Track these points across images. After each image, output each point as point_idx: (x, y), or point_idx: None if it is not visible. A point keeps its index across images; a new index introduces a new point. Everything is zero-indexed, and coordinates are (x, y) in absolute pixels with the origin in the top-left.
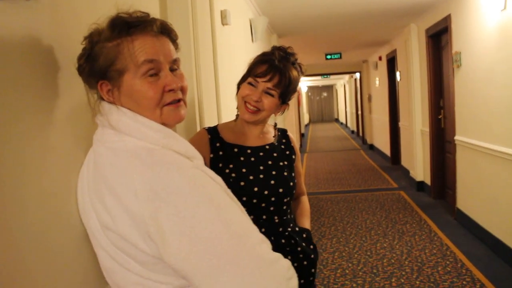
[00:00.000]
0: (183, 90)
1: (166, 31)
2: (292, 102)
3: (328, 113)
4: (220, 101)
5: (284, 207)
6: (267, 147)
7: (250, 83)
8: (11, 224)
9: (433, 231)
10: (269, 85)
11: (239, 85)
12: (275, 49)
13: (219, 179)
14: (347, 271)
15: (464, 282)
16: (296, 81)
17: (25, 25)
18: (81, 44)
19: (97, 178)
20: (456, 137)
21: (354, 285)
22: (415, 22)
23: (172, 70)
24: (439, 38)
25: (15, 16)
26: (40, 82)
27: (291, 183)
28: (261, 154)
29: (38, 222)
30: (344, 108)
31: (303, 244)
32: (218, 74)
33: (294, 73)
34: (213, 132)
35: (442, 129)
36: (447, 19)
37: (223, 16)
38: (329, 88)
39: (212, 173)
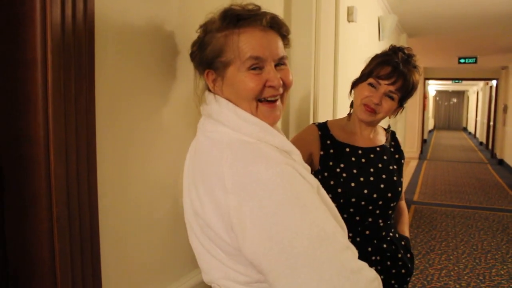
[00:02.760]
0: (286, 85)
1: (276, 25)
2: (416, 105)
3: (456, 121)
4: (337, 97)
5: (390, 212)
6: (378, 149)
7: (371, 84)
8: (121, 198)
9: None
10: (392, 88)
11: (355, 83)
12: (396, 49)
13: (311, 178)
14: None
15: None
16: (417, 85)
17: (154, 13)
18: (196, 32)
19: (195, 165)
20: None
21: None
22: None
23: (278, 65)
24: None
25: (146, 5)
26: (160, 67)
27: (399, 188)
28: (371, 156)
29: (145, 200)
30: (475, 117)
31: (401, 251)
32: (337, 71)
33: (416, 77)
34: (323, 128)
35: None
36: None
37: (350, 12)
38: (460, 94)
39: (304, 171)
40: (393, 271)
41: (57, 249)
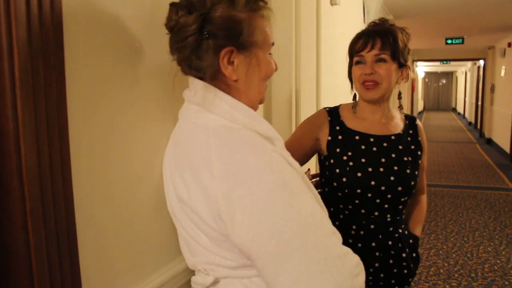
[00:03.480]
0: None
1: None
2: (405, 87)
3: (445, 102)
4: (321, 82)
5: (400, 207)
6: (392, 137)
7: (357, 62)
8: (98, 189)
9: None
10: (375, 51)
11: (349, 72)
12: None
13: (296, 164)
14: (441, 271)
15: None
16: (402, 39)
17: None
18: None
19: (178, 152)
20: None
21: (448, 286)
22: None
23: None
24: None
25: None
26: (135, 57)
27: (412, 182)
28: (384, 144)
29: (124, 187)
30: (463, 97)
31: (407, 250)
32: (320, 55)
33: (395, 30)
34: (334, 113)
35: None
36: None
37: None
38: (449, 75)
39: (290, 158)
40: (395, 270)
41: (32, 243)
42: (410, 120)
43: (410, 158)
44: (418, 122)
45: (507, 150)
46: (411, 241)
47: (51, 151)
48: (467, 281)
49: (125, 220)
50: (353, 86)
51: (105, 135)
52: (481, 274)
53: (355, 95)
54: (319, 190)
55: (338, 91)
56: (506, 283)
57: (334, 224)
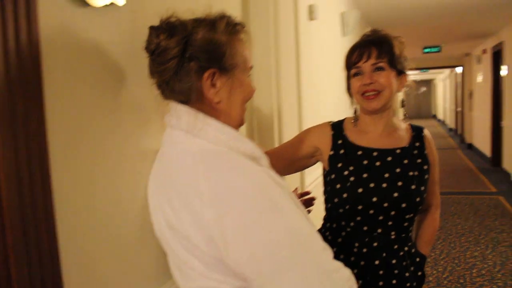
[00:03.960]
0: None
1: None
2: None
3: (426, 109)
4: (302, 96)
5: (405, 224)
6: (398, 151)
7: (355, 74)
8: (82, 216)
9: None
10: (372, 61)
11: (348, 87)
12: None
13: (284, 182)
14: (430, 278)
15: None
16: (398, 46)
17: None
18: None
19: (165, 179)
20: None
21: None
22: None
23: None
24: None
25: (94, 23)
26: (115, 83)
27: (418, 199)
28: (389, 159)
29: (109, 216)
30: (443, 104)
31: (412, 269)
32: (300, 70)
33: (390, 37)
34: (337, 127)
35: None
36: None
37: (311, 11)
38: (428, 83)
39: (277, 176)
40: None
41: (14, 278)
42: (416, 131)
43: (416, 173)
44: (425, 132)
45: (488, 154)
46: (417, 259)
47: (32, 183)
48: (456, 287)
49: (111, 244)
50: (352, 100)
51: (88, 164)
52: (469, 279)
53: (356, 110)
54: (311, 208)
55: (320, 105)
56: (494, 286)
57: (336, 241)
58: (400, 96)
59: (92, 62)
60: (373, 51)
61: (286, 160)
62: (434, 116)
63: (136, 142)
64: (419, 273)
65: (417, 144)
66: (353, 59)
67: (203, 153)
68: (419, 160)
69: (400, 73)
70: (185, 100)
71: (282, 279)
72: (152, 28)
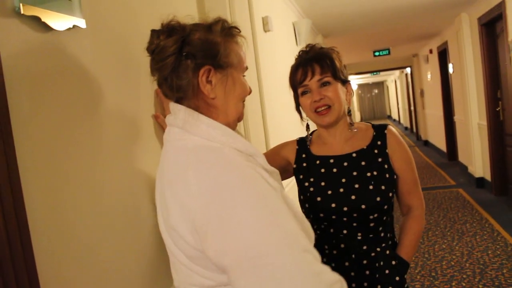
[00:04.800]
0: None
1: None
2: None
3: (380, 110)
4: (265, 107)
5: (372, 224)
6: (354, 155)
7: (303, 93)
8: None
9: (496, 230)
10: (317, 77)
11: (297, 105)
12: (299, 52)
13: (273, 181)
14: None
15: None
16: (337, 58)
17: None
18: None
19: (164, 177)
20: None
21: None
22: (466, 11)
23: None
24: (493, 26)
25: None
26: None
27: (378, 198)
28: (345, 164)
29: (110, 216)
30: (396, 104)
31: (387, 271)
32: (262, 82)
33: (328, 51)
34: (302, 142)
35: (501, 122)
36: (500, 6)
37: (265, 22)
38: (380, 85)
39: (267, 174)
40: None
41: None
42: (378, 130)
43: (375, 173)
44: (389, 129)
45: (444, 149)
46: (393, 262)
47: (6, 222)
48: (429, 280)
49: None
50: (302, 117)
51: (65, 199)
52: (440, 271)
53: (307, 125)
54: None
55: (281, 116)
56: (464, 276)
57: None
58: (345, 105)
59: (58, 85)
60: (316, 67)
61: None
62: (389, 117)
63: (119, 165)
64: (397, 278)
65: (379, 142)
66: (298, 78)
67: (195, 148)
68: (380, 159)
69: (344, 82)
70: (183, 96)
71: (259, 274)
72: (153, 31)
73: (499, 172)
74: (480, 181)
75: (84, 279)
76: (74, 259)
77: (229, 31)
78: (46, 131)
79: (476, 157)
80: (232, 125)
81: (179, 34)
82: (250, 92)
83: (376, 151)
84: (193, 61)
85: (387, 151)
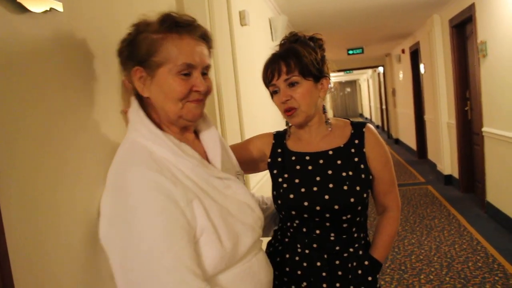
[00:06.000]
0: (208, 92)
1: (207, 38)
2: None
3: (352, 108)
4: (241, 102)
5: (344, 225)
6: (330, 152)
7: (273, 93)
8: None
9: (463, 225)
10: (283, 77)
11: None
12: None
13: (178, 191)
14: None
15: (497, 278)
16: (309, 52)
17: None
18: (127, 29)
19: None
20: (483, 129)
21: (382, 282)
22: (438, 12)
23: (203, 74)
24: (463, 28)
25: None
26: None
27: (352, 199)
28: (320, 161)
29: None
30: (368, 103)
31: (359, 272)
32: (238, 77)
33: (296, 47)
34: (279, 137)
35: (469, 121)
36: (471, 8)
37: (242, 16)
38: (352, 84)
39: (172, 186)
40: None
41: None
42: (356, 129)
43: (350, 173)
44: (367, 127)
45: (414, 147)
46: (366, 263)
47: None
48: (398, 274)
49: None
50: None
51: (42, 200)
52: (410, 265)
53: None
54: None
55: (258, 109)
56: (432, 269)
57: (283, 240)
58: (320, 102)
59: (31, 67)
60: (282, 66)
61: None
62: (361, 115)
63: (73, 149)
64: (370, 278)
65: (356, 141)
66: (267, 78)
67: (126, 145)
68: (356, 159)
69: (319, 78)
70: (136, 93)
71: (129, 271)
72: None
73: (466, 170)
74: (448, 179)
75: (60, 281)
76: (50, 262)
77: (170, 25)
78: (19, 119)
79: (445, 155)
80: (178, 123)
81: (128, 36)
82: (186, 93)
83: (353, 150)
84: (126, 61)
85: (364, 150)
